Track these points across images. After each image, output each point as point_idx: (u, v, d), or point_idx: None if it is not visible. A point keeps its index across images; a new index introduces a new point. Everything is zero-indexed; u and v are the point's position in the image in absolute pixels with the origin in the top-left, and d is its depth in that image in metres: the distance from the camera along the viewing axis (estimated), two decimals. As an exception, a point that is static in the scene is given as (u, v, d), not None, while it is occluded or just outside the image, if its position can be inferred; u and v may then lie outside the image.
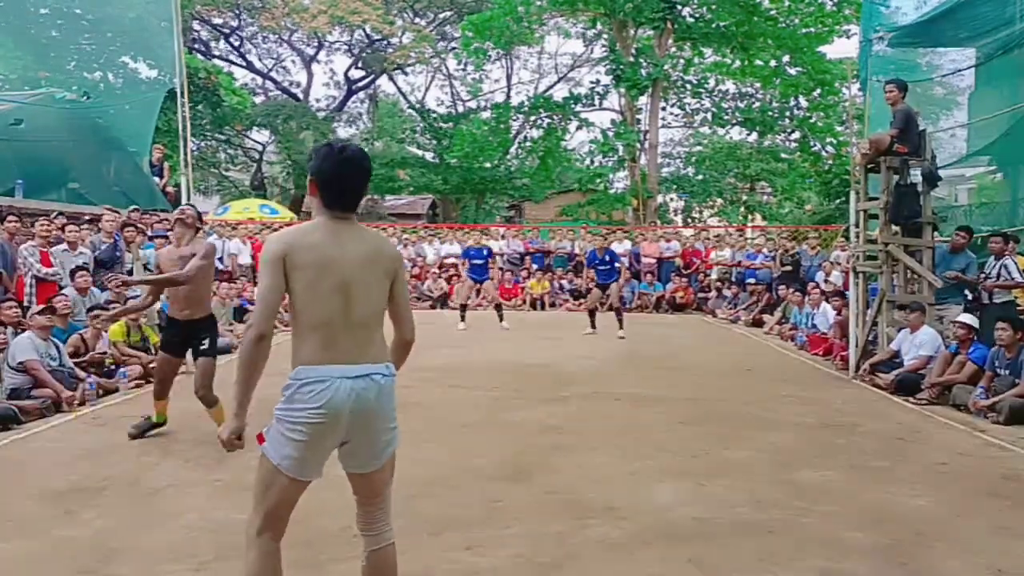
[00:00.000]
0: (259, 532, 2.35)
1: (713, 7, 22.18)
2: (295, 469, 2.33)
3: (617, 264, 11.96)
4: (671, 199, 29.33)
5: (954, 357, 6.93)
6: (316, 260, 2.33)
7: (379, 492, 2.49)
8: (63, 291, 7.79)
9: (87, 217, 9.87)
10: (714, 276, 15.86)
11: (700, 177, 27.27)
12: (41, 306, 6.87)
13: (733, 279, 15.34)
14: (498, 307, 12.46)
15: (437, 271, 16.86)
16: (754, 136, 26.34)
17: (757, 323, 12.90)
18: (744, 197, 28.54)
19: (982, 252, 8.13)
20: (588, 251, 13.29)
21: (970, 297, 8.07)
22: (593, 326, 11.61)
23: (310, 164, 2.46)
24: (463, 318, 12.12)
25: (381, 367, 2.40)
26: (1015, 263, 7.63)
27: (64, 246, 8.52)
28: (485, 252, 12.75)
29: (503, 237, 18.09)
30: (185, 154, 7.96)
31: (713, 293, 15.52)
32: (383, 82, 33.17)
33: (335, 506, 3.97)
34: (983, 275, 7.79)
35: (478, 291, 13.61)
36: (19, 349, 6.19)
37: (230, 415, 2.42)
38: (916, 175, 7.95)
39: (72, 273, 8.19)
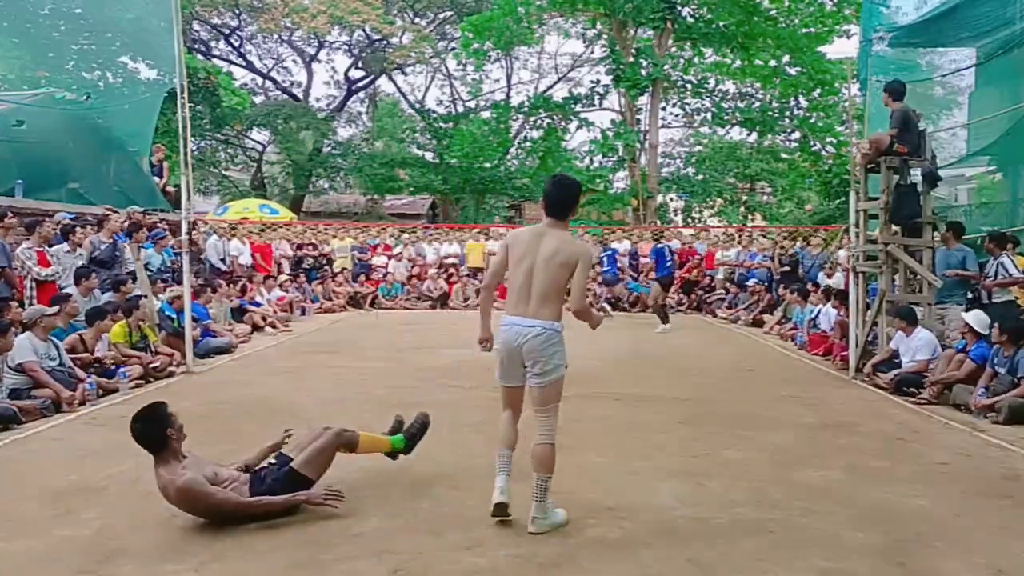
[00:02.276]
0: (503, 410, 3.83)
1: (713, 7, 22.16)
2: (500, 378, 3.79)
3: (669, 262, 13.10)
4: (671, 199, 29.28)
5: (958, 354, 6.92)
6: (519, 252, 3.70)
7: (542, 403, 3.67)
8: (63, 291, 7.78)
9: (90, 218, 9.87)
10: (720, 276, 15.82)
11: (700, 177, 27.19)
12: (53, 308, 6.84)
13: (735, 279, 15.33)
14: None
15: (437, 271, 16.86)
16: (754, 136, 26.30)
17: (757, 323, 12.91)
18: (744, 197, 28.49)
19: (982, 253, 8.13)
20: (654, 247, 14.10)
21: (971, 296, 8.06)
22: (667, 319, 12.32)
23: None
24: None
25: (545, 323, 3.60)
26: (1012, 260, 7.63)
27: (66, 246, 8.51)
28: None
29: (503, 236, 18.05)
30: (185, 154, 7.91)
31: (715, 294, 15.51)
32: (383, 82, 33.17)
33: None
34: (984, 276, 7.78)
35: None
36: (18, 350, 6.17)
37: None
38: (916, 175, 7.94)
39: (78, 277, 8.16)
